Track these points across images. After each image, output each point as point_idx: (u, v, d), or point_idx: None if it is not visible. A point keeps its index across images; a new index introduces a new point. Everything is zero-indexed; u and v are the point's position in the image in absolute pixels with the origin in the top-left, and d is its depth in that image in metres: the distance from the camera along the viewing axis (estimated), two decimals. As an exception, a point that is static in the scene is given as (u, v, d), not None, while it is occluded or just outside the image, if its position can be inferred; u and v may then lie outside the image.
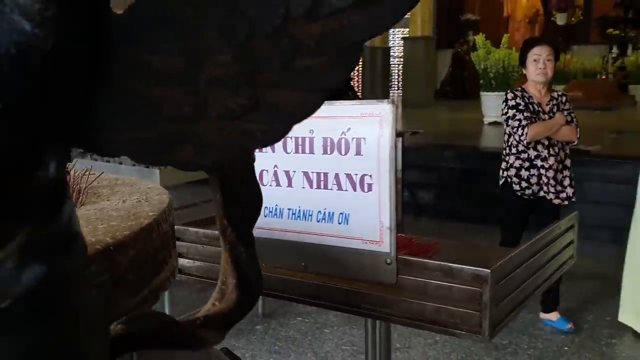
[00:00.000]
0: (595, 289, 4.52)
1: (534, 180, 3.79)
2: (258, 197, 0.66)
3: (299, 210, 1.36)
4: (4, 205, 0.40)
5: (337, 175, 1.30)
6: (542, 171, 3.76)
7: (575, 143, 3.88)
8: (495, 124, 9.57)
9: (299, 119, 0.49)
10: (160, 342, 0.63)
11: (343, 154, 1.28)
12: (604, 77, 13.95)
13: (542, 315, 4.00)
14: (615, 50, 15.87)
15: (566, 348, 3.66)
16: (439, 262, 1.18)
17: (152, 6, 0.46)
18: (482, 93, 9.73)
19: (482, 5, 16.46)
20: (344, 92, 4.61)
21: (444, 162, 7.12)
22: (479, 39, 9.72)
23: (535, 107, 3.80)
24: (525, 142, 3.73)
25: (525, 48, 3.92)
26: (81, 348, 0.45)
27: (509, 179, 3.88)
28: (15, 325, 0.41)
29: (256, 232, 0.71)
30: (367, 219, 1.26)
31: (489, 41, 9.62)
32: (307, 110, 0.49)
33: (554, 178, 3.77)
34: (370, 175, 1.25)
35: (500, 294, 1.16)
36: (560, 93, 3.94)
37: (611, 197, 4.59)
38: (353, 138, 1.26)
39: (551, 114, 3.80)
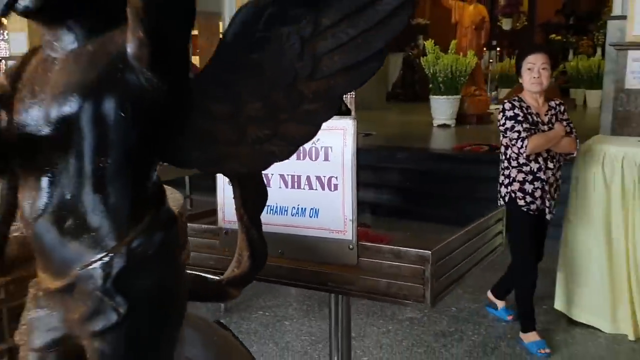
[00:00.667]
0: (533, 280, 4.86)
1: (537, 194, 3.58)
2: (265, 194, 0.94)
3: (276, 206, 1.64)
4: (141, 199, 0.68)
5: (308, 177, 1.59)
6: (546, 184, 3.57)
7: (574, 155, 3.72)
8: (444, 126, 9.98)
9: (303, 143, 0.78)
10: (199, 295, 0.91)
11: (313, 159, 1.57)
12: (546, 81, 14.52)
13: (490, 296, 4.13)
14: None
15: (508, 335, 3.96)
16: (391, 246, 1.48)
17: (212, 74, 0.75)
18: (431, 97, 10.08)
19: (432, 11, 16.98)
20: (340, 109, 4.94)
21: (396, 163, 7.44)
22: (428, 44, 10.06)
23: (534, 117, 3.58)
24: (524, 154, 3.51)
25: (519, 56, 3.73)
26: (184, 284, 0.74)
27: (513, 194, 3.62)
28: (152, 267, 0.69)
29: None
30: (333, 213, 1.55)
31: (438, 46, 9.97)
32: (308, 137, 0.78)
33: (554, 190, 3.63)
34: (336, 177, 1.54)
35: (440, 271, 1.46)
36: (557, 102, 3.73)
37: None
38: (322, 147, 1.55)
39: (550, 125, 3.60)
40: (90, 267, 0.70)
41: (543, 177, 3.56)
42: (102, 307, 0.70)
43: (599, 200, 3.85)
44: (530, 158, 3.54)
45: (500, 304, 4.10)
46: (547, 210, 3.60)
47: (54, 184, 0.72)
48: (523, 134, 3.48)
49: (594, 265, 3.89)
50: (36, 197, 0.73)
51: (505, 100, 3.68)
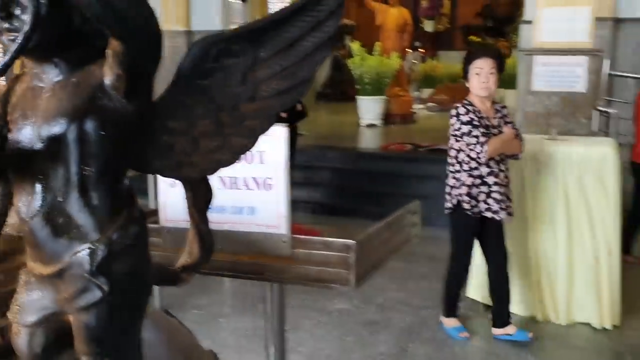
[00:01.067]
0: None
1: (481, 197, 3.62)
2: (212, 194, 1.12)
3: (216, 206, 1.80)
4: (117, 200, 0.86)
5: (245, 179, 1.76)
6: (494, 188, 3.60)
7: (519, 157, 3.80)
8: (371, 126, 10.27)
9: (245, 151, 0.97)
10: (159, 279, 1.08)
11: (250, 162, 1.74)
12: (467, 81, 15.07)
13: (497, 332, 3.93)
14: (477, 56, 17.17)
15: (431, 322, 4.21)
16: (320, 238, 1.69)
17: (171, 97, 0.92)
18: (358, 97, 10.35)
19: (358, 12, 17.30)
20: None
21: (327, 162, 7.66)
22: (355, 46, 10.32)
23: (486, 121, 3.60)
24: (483, 159, 3.51)
25: (467, 60, 3.68)
26: (151, 268, 0.92)
27: (460, 197, 3.66)
28: (128, 254, 0.87)
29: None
30: (268, 210, 1.73)
31: (365, 48, 10.24)
32: (250, 147, 0.98)
33: (504, 194, 3.65)
34: (271, 178, 1.72)
35: (362, 258, 1.68)
36: (501, 105, 3.79)
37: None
38: (257, 151, 1.72)
39: (500, 128, 3.65)
40: (79, 254, 0.89)
41: (490, 181, 3.59)
42: (88, 286, 0.89)
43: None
44: (483, 162, 3.55)
45: (511, 329, 3.91)
46: (492, 210, 3.63)
47: (46, 189, 0.89)
48: (482, 139, 3.49)
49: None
50: (31, 200, 0.90)
51: (458, 105, 3.66)
